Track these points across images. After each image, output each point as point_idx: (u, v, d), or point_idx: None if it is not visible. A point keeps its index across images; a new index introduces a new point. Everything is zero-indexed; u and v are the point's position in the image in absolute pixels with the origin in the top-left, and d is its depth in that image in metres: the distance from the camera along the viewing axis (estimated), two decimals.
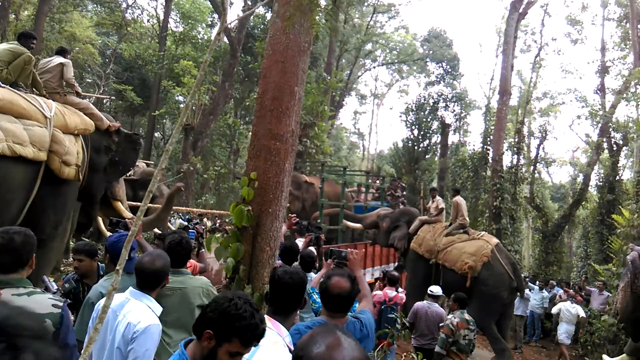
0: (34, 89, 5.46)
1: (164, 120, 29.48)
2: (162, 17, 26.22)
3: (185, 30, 26.99)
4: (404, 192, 14.28)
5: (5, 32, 19.53)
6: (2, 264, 2.07)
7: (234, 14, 27.26)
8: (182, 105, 28.95)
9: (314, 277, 4.79)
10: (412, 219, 10.47)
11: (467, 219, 9.96)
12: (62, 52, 6.11)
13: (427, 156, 25.79)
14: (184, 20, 27.20)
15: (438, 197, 10.47)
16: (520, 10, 16.93)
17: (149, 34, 28.66)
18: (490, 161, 18.06)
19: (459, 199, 9.88)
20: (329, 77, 17.54)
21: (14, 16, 23.01)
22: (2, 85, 4.92)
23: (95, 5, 29.84)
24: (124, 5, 27.11)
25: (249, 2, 19.75)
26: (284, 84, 3.88)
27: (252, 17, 20.66)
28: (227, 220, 15.62)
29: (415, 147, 25.39)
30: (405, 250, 10.28)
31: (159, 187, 10.28)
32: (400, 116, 27.69)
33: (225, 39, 25.16)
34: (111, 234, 4.19)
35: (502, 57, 16.93)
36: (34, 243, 2.20)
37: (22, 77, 5.22)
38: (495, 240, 9.89)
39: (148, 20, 28.18)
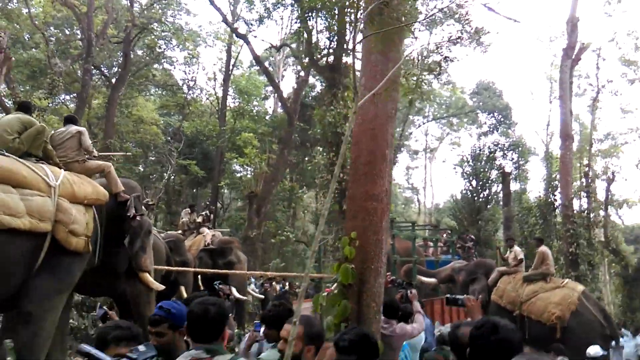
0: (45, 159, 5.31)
1: (223, 190, 30.73)
2: (220, 95, 28.10)
3: (241, 105, 28.70)
4: (475, 244, 14.08)
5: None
6: (199, 334, 2.26)
7: (287, 85, 28.85)
8: (240, 175, 30.36)
9: (407, 328, 4.87)
10: (489, 270, 10.29)
11: (553, 269, 9.72)
12: (72, 120, 6.06)
13: (488, 206, 25.36)
14: (240, 96, 28.98)
15: (516, 247, 10.31)
16: (573, 57, 17.02)
17: (209, 111, 30.47)
18: (559, 207, 17.56)
19: (544, 248, 9.71)
20: None
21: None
22: (6, 154, 4.79)
23: (156, 89, 32.37)
24: (185, 87, 29.21)
25: (302, 74, 20.88)
26: (376, 149, 4.20)
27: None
28: (296, 282, 15.84)
29: (475, 198, 25.08)
30: (485, 303, 10.04)
31: (237, 254, 10.70)
32: (455, 168, 27.65)
33: (279, 109, 26.59)
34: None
35: (560, 103, 16.90)
36: (227, 315, 2.36)
37: (33, 148, 5.13)
38: (580, 287, 9.54)
39: (207, 99, 30.04)
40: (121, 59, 24.51)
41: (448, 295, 3.59)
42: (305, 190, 28.85)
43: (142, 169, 27.19)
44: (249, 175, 29.54)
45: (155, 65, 29.21)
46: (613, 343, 9.72)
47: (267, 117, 26.92)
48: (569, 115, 16.92)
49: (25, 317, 4.73)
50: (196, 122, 29.18)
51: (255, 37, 21.16)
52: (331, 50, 16.05)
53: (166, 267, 8.33)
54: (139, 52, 27.43)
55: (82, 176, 5.49)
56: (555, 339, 8.29)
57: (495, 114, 29.20)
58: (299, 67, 28.73)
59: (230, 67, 25.39)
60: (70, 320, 8.39)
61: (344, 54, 15.69)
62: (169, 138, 29.35)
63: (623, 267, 18.28)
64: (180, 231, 11.32)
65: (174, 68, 29.42)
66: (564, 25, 17.79)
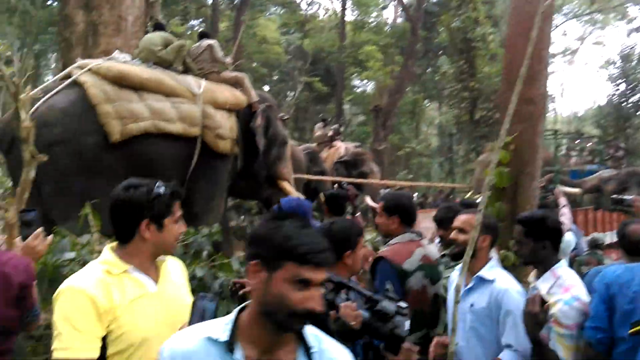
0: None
1: (345, 106, 31.00)
2: (338, 9, 27.62)
3: (360, 17, 27.99)
4: (626, 154, 12.93)
5: None
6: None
7: None
8: (360, 89, 30.28)
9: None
10: None
11: None
12: (205, 35, 6.29)
13: (638, 112, 22.70)
14: (359, 8, 28.20)
15: None
16: None
17: (328, 26, 30.21)
18: None
19: None
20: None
21: None
22: (153, 66, 5.21)
23: (276, 8, 32.64)
24: (304, 3, 29.10)
25: None
26: (533, 51, 4.00)
27: None
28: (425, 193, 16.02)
29: (624, 104, 22.53)
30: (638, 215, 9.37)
31: (369, 165, 11.08)
32: (598, 71, 24.89)
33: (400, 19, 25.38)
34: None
35: None
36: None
37: (177, 61, 5.46)
38: None
39: (325, 14, 29.72)
40: None
41: (614, 196, 3.52)
42: (428, 102, 28.14)
43: (267, 88, 28.22)
44: (368, 90, 29.54)
45: None
46: None
47: (387, 28, 25.97)
48: None
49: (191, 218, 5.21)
50: (316, 38, 29.28)
51: None
52: None
53: (307, 176, 8.98)
54: None
55: (221, 84, 5.77)
56: None
57: None
58: None
59: None
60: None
61: None
62: (291, 57, 29.99)
63: None
64: (315, 144, 11.87)
65: None
66: None
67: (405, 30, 21.41)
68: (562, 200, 5.11)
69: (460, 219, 2.55)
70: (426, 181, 21.26)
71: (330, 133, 12.05)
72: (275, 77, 30.77)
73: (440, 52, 26.49)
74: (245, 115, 5.85)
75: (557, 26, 33.94)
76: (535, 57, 4.04)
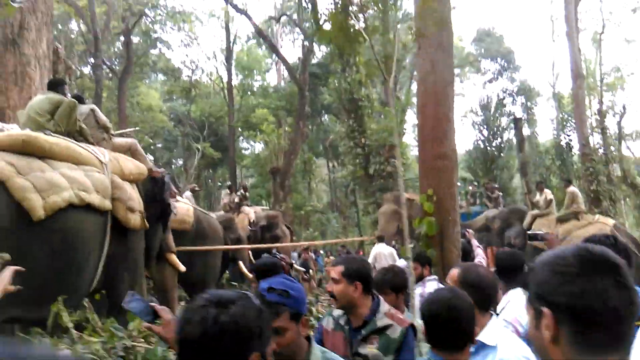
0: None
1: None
2: (222, 74, 28.24)
3: (245, 81, 28.88)
4: (500, 193, 14.52)
5: None
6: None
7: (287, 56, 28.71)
8: (248, 151, 30.73)
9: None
10: (522, 215, 10.73)
11: (583, 207, 10.15)
12: (80, 99, 5.38)
13: (501, 154, 25.72)
14: (242, 72, 29.09)
15: (546, 190, 10.73)
16: None
17: (213, 91, 30.58)
18: (577, 146, 17.93)
19: (573, 188, 10.15)
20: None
21: None
22: (53, 134, 4.47)
23: (156, 76, 32.47)
24: (187, 70, 29.28)
25: (307, 44, 20.96)
26: (440, 113, 4.59)
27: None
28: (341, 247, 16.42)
29: (488, 147, 25.41)
30: (522, 246, 10.51)
31: (282, 228, 11.21)
32: (462, 120, 27.87)
33: (282, 82, 26.63)
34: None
35: (568, 42, 17.00)
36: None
37: (70, 125, 4.75)
38: (612, 221, 10.00)
39: (210, 79, 30.07)
40: (121, 49, 24.66)
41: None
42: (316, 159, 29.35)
43: (152, 157, 27.40)
44: (257, 151, 30.08)
45: (154, 51, 29.30)
46: None
47: (273, 91, 27.05)
48: (578, 53, 17.04)
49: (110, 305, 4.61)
50: (202, 103, 29.38)
51: (248, 16, 21.04)
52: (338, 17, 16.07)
53: (224, 247, 8.87)
54: (135, 40, 27.35)
55: (119, 153, 5.23)
56: None
57: (499, 59, 29.14)
58: (298, 36, 28.76)
59: (231, 44, 25.34)
60: None
61: (351, 20, 15.76)
62: (176, 124, 29.75)
63: None
64: (222, 212, 11.78)
65: (172, 51, 29.55)
66: None
67: (293, 93, 22.45)
68: (474, 242, 5.68)
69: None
70: (325, 237, 21.84)
71: (236, 199, 12.06)
72: (159, 145, 30.21)
73: (323, 112, 28.14)
74: (144, 185, 5.39)
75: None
76: (443, 119, 4.65)
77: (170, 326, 1.52)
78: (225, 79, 27.04)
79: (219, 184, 30.45)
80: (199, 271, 8.33)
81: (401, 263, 6.82)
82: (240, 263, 9.47)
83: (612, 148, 19.87)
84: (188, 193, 10.86)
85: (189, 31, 26.19)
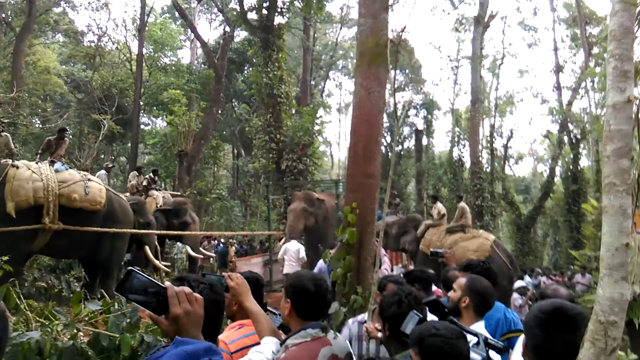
0: None
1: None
2: (130, 45, 26.86)
3: (155, 55, 27.66)
4: (399, 200, 15.66)
5: None
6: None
7: (208, 36, 27.91)
8: (148, 128, 29.48)
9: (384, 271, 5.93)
10: (418, 224, 11.78)
11: (470, 222, 11.39)
12: None
13: (401, 161, 27.43)
14: (155, 46, 27.84)
15: (439, 203, 11.85)
16: (484, 24, 18.82)
17: (120, 61, 28.96)
18: (468, 164, 19.77)
19: (463, 204, 11.30)
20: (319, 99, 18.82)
21: None
22: None
23: (57, 35, 30.08)
24: (92, 35, 27.46)
25: (227, 29, 20.75)
26: (371, 136, 5.09)
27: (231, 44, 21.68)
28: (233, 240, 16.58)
29: (388, 153, 26.97)
30: (414, 252, 11.57)
31: (191, 215, 11.19)
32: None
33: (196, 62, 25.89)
34: None
35: (471, 71, 18.72)
36: None
37: None
38: (492, 237, 11.30)
39: (117, 48, 28.46)
40: (23, 4, 22.55)
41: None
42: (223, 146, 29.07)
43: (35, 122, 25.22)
44: (158, 129, 28.99)
45: (56, 10, 27.13)
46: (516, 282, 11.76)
47: (186, 71, 26.29)
48: (479, 80, 18.84)
49: None
50: (105, 72, 27.69)
51: None
52: (263, 10, 16.18)
53: (134, 231, 8.76)
54: None
55: None
56: None
57: (407, 71, 30.88)
58: (215, 17, 28.24)
59: (146, 15, 24.16)
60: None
61: (277, 15, 15.99)
62: (71, 90, 27.80)
63: (517, 216, 21.12)
64: (128, 194, 11.46)
65: (77, 13, 27.54)
66: None
67: (209, 76, 22.09)
68: (382, 250, 6.33)
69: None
70: (228, 225, 21.86)
71: (145, 182, 11.81)
72: (50, 109, 28.06)
73: (234, 99, 27.98)
74: None
75: (331, 79, 39.03)
76: (373, 141, 5.17)
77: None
78: (134, 51, 25.80)
79: (111, 158, 28.90)
80: (104, 253, 8.23)
81: (320, 264, 7.33)
82: (147, 248, 9.39)
83: (497, 167, 22.19)
84: (102, 172, 10.49)
85: None
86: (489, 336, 2.23)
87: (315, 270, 7.38)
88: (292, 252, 10.30)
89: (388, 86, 5.67)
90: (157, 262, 9.63)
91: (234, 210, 22.16)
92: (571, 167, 20.36)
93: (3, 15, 23.67)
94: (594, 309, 1.20)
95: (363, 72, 5.11)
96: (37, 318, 3.41)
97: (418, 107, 28.41)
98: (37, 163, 7.93)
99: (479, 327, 2.57)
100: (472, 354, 1.89)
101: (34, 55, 25.42)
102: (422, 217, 12.40)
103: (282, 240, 12.02)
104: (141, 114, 26.43)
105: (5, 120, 7.79)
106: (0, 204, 7.00)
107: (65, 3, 26.97)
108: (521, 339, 2.18)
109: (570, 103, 21.77)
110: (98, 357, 3.03)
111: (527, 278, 14.50)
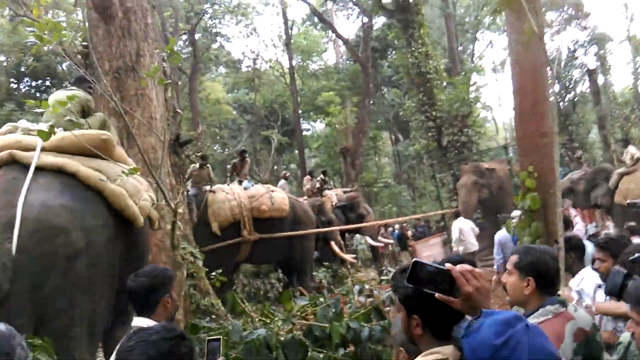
0: None
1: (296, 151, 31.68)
2: (281, 60, 28.80)
3: (304, 64, 29.30)
4: (581, 152, 14.17)
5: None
6: None
7: (348, 32, 28.68)
8: (310, 132, 31.22)
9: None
10: (608, 175, 10.49)
11: None
12: None
13: (575, 108, 24.66)
14: (302, 56, 29.52)
15: (630, 147, 10.42)
16: None
17: (274, 78, 31.21)
18: None
19: None
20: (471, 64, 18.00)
21: None
22: None
23: (217, 69, 33.55)
24: (248, 60, 30.06)
25: (365, 20, 20.98)
26: (538, 92, 4.79)
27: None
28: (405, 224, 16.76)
29: (561, 102, 24.44)
30: (610, 206, 10.34)
31: (365, 207, 11.69)
32: None
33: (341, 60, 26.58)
34: None
35: None
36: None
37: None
38: None
39: (271, 67, 30.71)
40: (187, 48, 25.74)
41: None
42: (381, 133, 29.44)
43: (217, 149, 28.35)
44: (318, 132, 30.51)
45: (214, 46, 30.30)
46: None
47: (334, 71, 27.29)
48: None
49: None
50: (265, 91, 30.14)
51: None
52: None
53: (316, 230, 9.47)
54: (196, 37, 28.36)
55: None
56: None
57: (565, 8, 27.59)
58: (352, 11, 28.70)
59: (290, 30, 25.74)
60: None
61: None
62: (240, 114, 30.82)
63: None
64: (305, 197, 12.41)
65: (232, 44, 30.37)
66: None
67: (355, 71, 22.63)
68: (572, 211, 5.87)
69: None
70: (400, 211, 22.08)
71: (317, 184, 12.64)
72: (225, 135, 31.39)
73: (382, 86, 28.10)
74: None
75: (479, 40, 36.64)
76: (541, 97, 4.84)
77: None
78: (284, 65, 27.62)
79: (284, 167, 31.25)
80: (297, 254, 9.08)
81: (501, 235, 7.07)
82: (332, 243, 10.09)
83: None
84: (282, 182, 11.57)
85: (247, 22, 26.87)
86: None
87: (496, 241, 7.12)
88: (467, 230, 10.00)
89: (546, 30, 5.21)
90: (343, 254, 10.27)
91: (403, 195, 22.30)
92: None
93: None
94: None
95: (515, 24, 4.81)
96: (259, 317, 3.96)
97: (586, 45, 25.19)
98: (228, 185, 9.07)
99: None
100: None
101: (204, 91, 28.91)
102: (613, 166, 11.03)
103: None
104: (302, 121, 28.27)
105: (199, 154, 9.04)
106: (206, 226, 8.12)
107: (221, 37, 29.96)
108: None
109: None
110: (314, 345, 3.42)
111: None
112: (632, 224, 6.27)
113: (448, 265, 1.36)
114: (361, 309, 3.68)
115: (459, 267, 1.35)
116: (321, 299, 3.79)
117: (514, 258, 2.26)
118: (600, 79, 25.60)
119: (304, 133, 30.79)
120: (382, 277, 8.75)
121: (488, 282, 1.44)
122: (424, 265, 1.36)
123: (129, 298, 2.39)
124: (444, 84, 16.11)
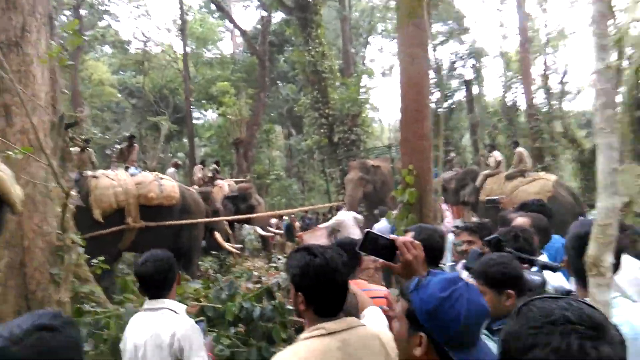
0: None
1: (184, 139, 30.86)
2: (174, 45, 27.77)
3: (198, 52, 28.51)
4: (454, 155, 15.65)
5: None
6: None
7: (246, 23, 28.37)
8: (202, 122, 30.60)
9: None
10: (475, 175, 11.80)
11: (530, 166, 11.27)
12: None
13: (452, 115, 27.00)
14: (197, 44, 28.69)
15: (495, 152, 11.80)
16: None
17: (164, 63, 29.99)
18: (523, 107, 19.30)
19: (520, 148, 11.23)
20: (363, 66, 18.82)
21: None
22: None
23: (101, 48, 31.46)
24: (138, 42, 28.60)
25: (264, 14, 21.04)
26: (420, 100, 5.33)
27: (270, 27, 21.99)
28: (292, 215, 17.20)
29: (439, 109, 26.60)
30: (475, 203, 11.62)
31: (256, 198, 11.83)
32: None
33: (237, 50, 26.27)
34: None
35: (517, 9, 18.07)
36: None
37: None
38: (553, 177, 11.18)
39: (162, 51, 29.45)
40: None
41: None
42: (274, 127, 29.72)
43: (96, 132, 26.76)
44: (209, 121, 30.01)
45: (101, 24, 28.37)
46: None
47: (230, 62, 26.97)
48: (525, 18, 18.15)
49: None
50: (154, 75, 28.85)
51: None
52: None
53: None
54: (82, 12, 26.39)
55: None
56: None
57: (450, 22, 29.94)
58: (250, 2, 28.58)
59: (185, 15, 24.89)
60: None
61: None
62: (126, 97, 29.22)
63: (580, 152, 20.40)
64: (196, 186, 12.25)
65: (120, 23, 28.70)
66: None
67: (252, 63, 22.60)
68: (443, 205, 6.60)
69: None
70: (289, 203, 22.54)
71: (209, 174, 12.53)
72: (108, 118, 29.64)
73: (277, 81, 28.39)
74: None
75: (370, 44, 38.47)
76: (422, 104, 5.39)
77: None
78: (177, 51, 26.70)
79: (170, 155, 30.26)
80: (184, 243, 8.97)
81: (382, 226, 7.67)
82: (216, 234, 10.05)
83: (555, 106, 21.39)
84: (171, 170, 11.26)
85: (138, 3, 25.53)
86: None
87: (376, 231, 7.71)
88: (347, 221, 10.54)
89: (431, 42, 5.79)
90: (226, 245, 10.26)
91: (292, 188, 22.80)
92: (634, 92, 19.33)
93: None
94: (596, 216, 1.50)
95: (405, 37, 5.30)
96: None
97: (465, 57, 27.65)
98: (113, 170, 8.69)
99: (543, 258, 2.79)
100: (532, 277, 2.15)
101: (87, 70, 26.98)
102: (480, 168, 12.39)
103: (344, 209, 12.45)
104: (193, 109, 27.50)
105: (82, 137, 8.54)
106: (88, 212, 7.75)
107: (109, 16, 28.12)
108: None
109: (627, 27, 20.50)
110: (207, 326, 3.55)
111: (593, 212, 14.11)
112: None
113: (392, 236, 1.60)
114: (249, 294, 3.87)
115: (401, 238, 1.60)
116: (215, 283, 3.92)
117: (410, 234, 2.54)
118: (475, 89, 28.30)
119: (195, 122, 30.09)
120: (271, 265, 9.02)
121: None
122: (374, 236, 1.59)
123: (143, 283, 2.53)
124: (337, 83, 16.79)
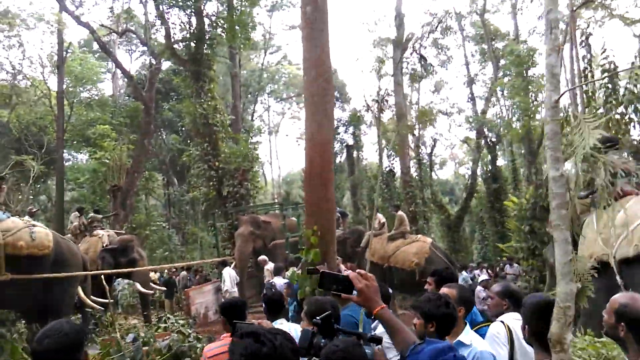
0: None
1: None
2: (48, 82, 25.77)
3: (74, 90, 26.75)
4: (339, 214, 16.32)
5: None
6: None
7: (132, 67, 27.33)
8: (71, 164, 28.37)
9: None
10: (361, 235, 12.53)
11: (409, 228, 12.24)
12: None
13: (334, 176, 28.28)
14: (75, 82, 26.94)
15: (379, 214, 12.63)
16: (402, 46, 20.38)
17: (37, 99, 27.64)
18: (399, 173, 21.03)
19: (401, 212, 12.18)
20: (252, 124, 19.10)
21: None
22: None
23: None
24: (6, 74, 26.12)
25: (153, 61, 20.70)
26: (324, 165, 5.65)
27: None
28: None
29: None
30: (360, 261, 12.25)
31: (138, 251, 11.10)
32: (297, 142, 29.91)
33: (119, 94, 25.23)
34: None
35: (394, 87, 19.97)
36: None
37: None
38: (429, 239, 12.26)
39: (32, 85, 27.16)
40: None
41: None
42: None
43: None
44: (82, 164, 27.97)
45: None
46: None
47: (112, 105, 25.75)
48: (402, 98, 20.15)
49: None
50: (22, 111, 26.38)
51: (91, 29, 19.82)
52: (192, 43, 16.40)
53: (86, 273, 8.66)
54: None
55: None
56: (415, 281, 10.76)
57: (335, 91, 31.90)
58: (135, 48, 27.83)
59: (64, 52, 23.43)
60: None
61: (205, 48, 16.23)
62: None
63: (446, 217, 22.59)
64: (70, 235, 11.23)
65: None
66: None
67: (136, 108, 21.83)
68: (342, 267, 6.86)
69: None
70: (169, 255, 21.47)
71: (86, 222, 11.63)
72: None
73: (161, 129, 27.64)
74: None
75: (260, 103, 39.41)
76: (326, 169, 5.72)
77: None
78: (51, 87, 24.86)
79: (31, 198, 27.45)
80: (55, 298, 8.03)
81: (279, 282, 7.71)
82: (80, 290, 9.10)
83: (425, 174, 23.57)
84: (27, 218, 10.18)
85: (10, 34, 23.54)
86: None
87: (277, 288, 7.77)
88: (233, 277, 11.03)
89: None
90: (89, 301, 9.30)
91: (172, 240, 21.85)
92: (490, 167, 22.19)
93: None
94: (556, 299, 1.81)
95: (312, 108, 5.67)
96: None
97: (346, 124, 29.48)
98: None
99: (468, 330, 2.81)
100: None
101: None
102: (365, 229, 13.13)
103: (233, 265, 12.23)
104: (65, 151, 25.45)
105: None
106: None
107: None
108: (500, 327, 2.88)
109: (484, 112, 23.79)
110: None
111: (464, 273, 15.51)
112: None
113: (345, 271, 1.88)
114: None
115: (351, 272, 1.87)
116: (116, 348, 3.67)
117: (306, 309, 3.02)
118: (355, 154, 30.10)
119: (65, 163, 27.78)
120: (160, 325, 8.46)
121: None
122: (329, 274, 1.86)
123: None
124: (228, 137, 16.88)
